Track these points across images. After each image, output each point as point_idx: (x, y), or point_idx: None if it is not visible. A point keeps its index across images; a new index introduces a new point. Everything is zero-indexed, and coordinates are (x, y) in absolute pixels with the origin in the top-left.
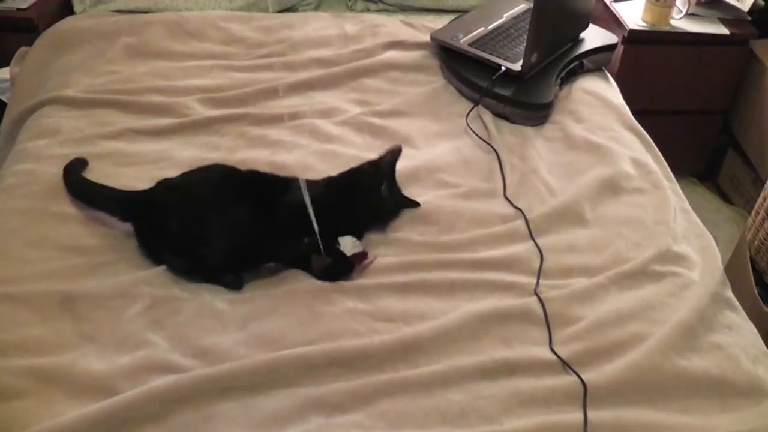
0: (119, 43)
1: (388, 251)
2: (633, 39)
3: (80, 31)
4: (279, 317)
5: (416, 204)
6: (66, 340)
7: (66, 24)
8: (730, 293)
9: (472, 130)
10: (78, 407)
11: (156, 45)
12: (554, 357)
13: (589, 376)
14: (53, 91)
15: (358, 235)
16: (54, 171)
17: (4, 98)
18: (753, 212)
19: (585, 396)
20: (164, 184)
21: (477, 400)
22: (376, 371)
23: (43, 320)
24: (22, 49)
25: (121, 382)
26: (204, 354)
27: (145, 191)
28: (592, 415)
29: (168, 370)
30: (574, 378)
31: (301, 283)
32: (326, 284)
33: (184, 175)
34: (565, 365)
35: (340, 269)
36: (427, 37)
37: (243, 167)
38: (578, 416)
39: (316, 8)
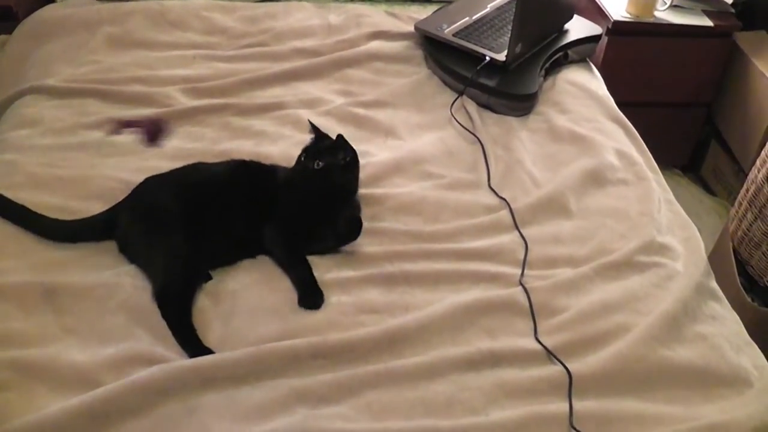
0: (101, 32)
1: (372, 242)
2: (617, 30)
3: (61, 19)
4: (262, 311)
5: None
6: (48, 332)
7: (46, 12)
8: (713, 283)
9: (456, 121)
10: (61, 400)
11: (138, 35)
12: (539, 347)
13: (574, 366)
14: (34, 80)
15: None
16: (35, 161)
17: None
18: (736, 203)
19: (570, 386)
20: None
21: (462, 391)
22: (361, 363)
23: (25, 313)
24: (1, 37)
25: (104, 374)
26: None
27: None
28: (577, 405)
29: (151, 363)
30: (559, 368)
31: (282, 279)
32: None
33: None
34: (551, 355)
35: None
36: (411, 28)
37: (227, 158)
38: (563, 406)
39: None
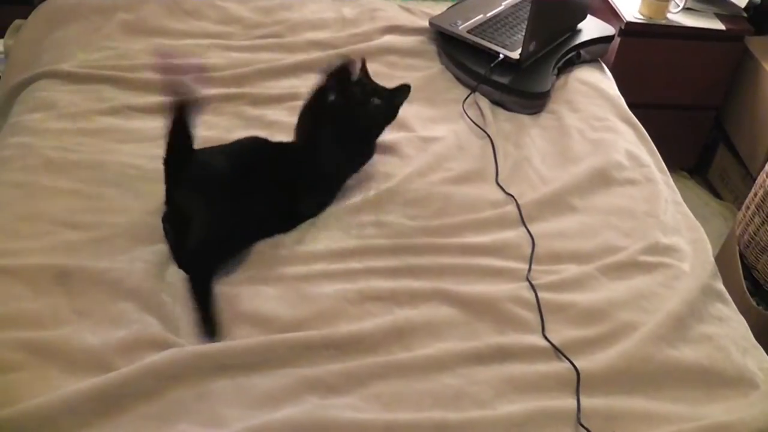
0: (115, 19)
1: (378, 233)
2: (629, 31)
3: (76, 5)
4: (269, 298)
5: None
6: (61, 314)
7: None
8: (720, 285)
9: (468, 116)
10: (73, 382)
11: (153, 22)
12: (547, 344)
13: (582, 363)
14: (48, 64)
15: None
16: (50, 145)
17: None
18: (743, 207)
19: (578, 383)
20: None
21: (470, 384)
22: (371, 354)
23: (38, 294)
24: (17, 21)
25: (116, 357)
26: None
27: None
28: (584, 401)
29: (162, 348)
30: (567, 365)
31: (287, 266)
32: (312, 267)
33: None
34: (558, 352)
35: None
36: (425, 23)
37: None
38: (571, 402)
39: None
